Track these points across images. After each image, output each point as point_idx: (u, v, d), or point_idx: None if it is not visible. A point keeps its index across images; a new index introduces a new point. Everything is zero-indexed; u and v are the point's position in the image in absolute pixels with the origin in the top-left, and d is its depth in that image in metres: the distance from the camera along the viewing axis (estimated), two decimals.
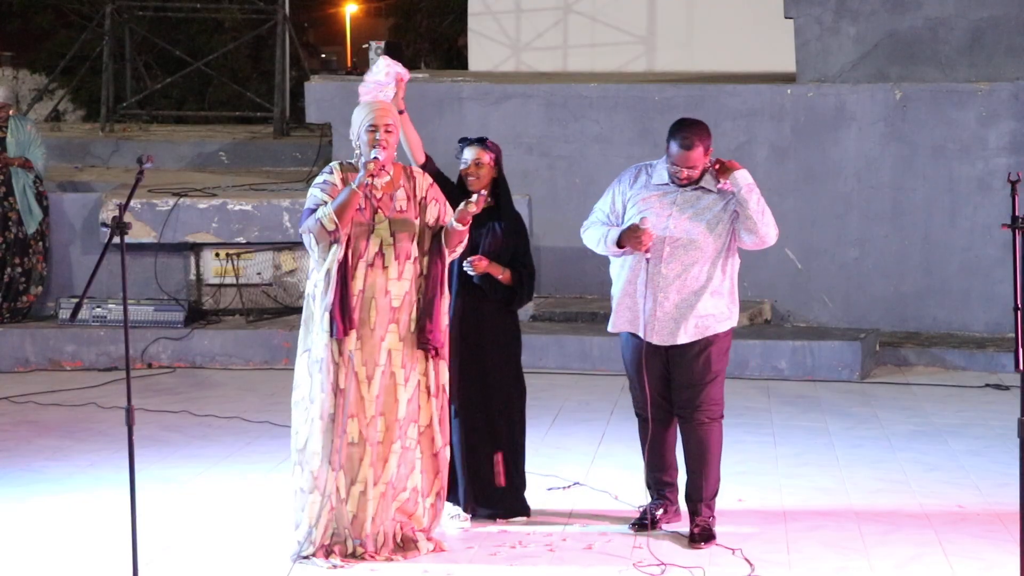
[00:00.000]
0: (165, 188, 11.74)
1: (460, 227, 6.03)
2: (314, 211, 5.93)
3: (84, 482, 7.33)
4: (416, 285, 6.05)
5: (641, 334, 6.19)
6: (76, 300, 10.60)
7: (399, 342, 6.02)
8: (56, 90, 19.35)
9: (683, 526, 6.36)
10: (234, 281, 11.27)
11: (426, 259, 6.08)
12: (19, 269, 11.05)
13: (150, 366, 10.65)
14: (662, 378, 6.24)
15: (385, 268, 5.98)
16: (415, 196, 6.08)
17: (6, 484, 7.29)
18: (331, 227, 5.87)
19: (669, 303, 6.12)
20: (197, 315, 11.09)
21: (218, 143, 14.63)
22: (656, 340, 6.16)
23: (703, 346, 6.17)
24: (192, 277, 11.30)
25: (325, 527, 5.95)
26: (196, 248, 11.29)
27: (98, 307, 10.84)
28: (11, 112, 11.20)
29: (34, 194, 11.08)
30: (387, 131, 6.01)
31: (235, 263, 11.24)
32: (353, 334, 5.92)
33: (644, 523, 6.31)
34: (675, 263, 6.13)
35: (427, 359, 6.08)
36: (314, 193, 5.99)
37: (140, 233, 11.13)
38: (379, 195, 6.01)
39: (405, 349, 6.03)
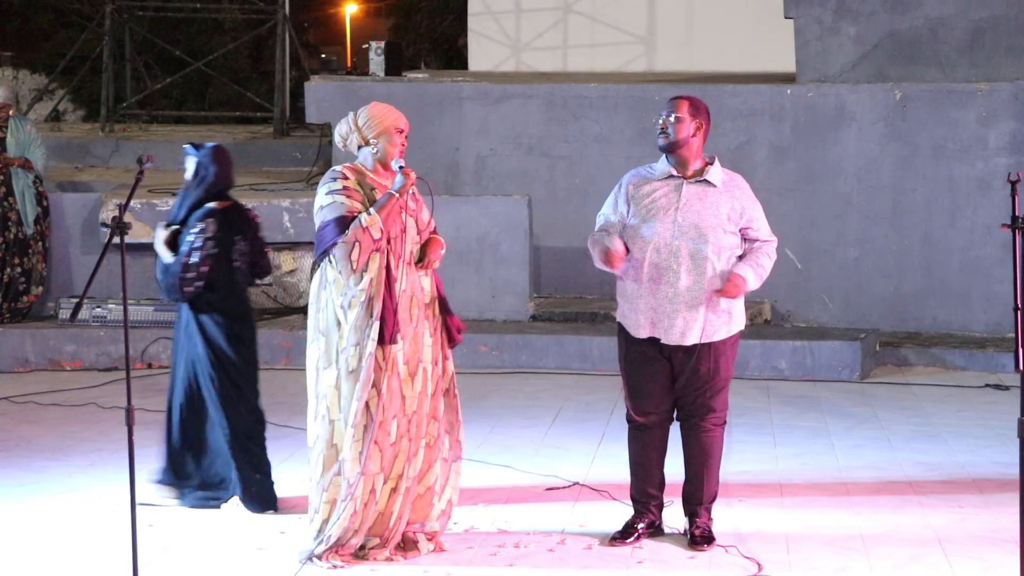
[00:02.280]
0: (165, 188, 11.73)
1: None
2: (343, 220, 5.84)
3: (84, 482, 7.32)
4: (434, 278, 6.11)
5: (649, 333, 6.14)
6: (76, 300, 10.56)
7: (430, 337, 6.05)
8: (56, 90, 19.36)
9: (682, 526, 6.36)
10: None
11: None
12: (19, 269, 11.05)
13: (150, 366, 10.64)
14: (664, 381, 6.20)
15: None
16: (413, 197, 6.10)
17: (6, 484, 7.29)
18: (378, 235, 5.85)
19: (678, 301, 6.06)
20: None
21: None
22: (665, 340, 6.11)
23: (711, 351, 6.11)
24: None
25: (346, 530, 5.94)
26: None
27: (98, 307, 10.84)
28: (11, 112, 11.20)
29: (34, 194, 11.08)
30: (407, 135, 6.08)
31: None
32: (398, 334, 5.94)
33: (626, 536, 6.27)
34: (683, 258, 6.05)
35: (445, 356, 6.13)
36: (339, 201, 5.88)
37: (140, 233, 11.09)
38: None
39: (434, 345, 6.06)
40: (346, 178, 5.96)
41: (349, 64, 23.81)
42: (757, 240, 6.18)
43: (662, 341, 6.09)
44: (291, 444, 7.94)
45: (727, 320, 6.15)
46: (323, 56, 27.67)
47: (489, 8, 16.04)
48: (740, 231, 6.14)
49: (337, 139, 6.14)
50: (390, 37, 25.45)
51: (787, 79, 12.06)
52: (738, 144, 11.52)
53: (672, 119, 6.10)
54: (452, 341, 6.15)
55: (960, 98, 11.21)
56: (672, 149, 6.12)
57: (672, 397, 6.21)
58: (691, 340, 6.08)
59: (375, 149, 6.02)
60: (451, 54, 25.59)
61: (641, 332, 6.14)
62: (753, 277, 6.11)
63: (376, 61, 13.33)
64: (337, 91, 12.43)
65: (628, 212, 6.16)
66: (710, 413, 6.17)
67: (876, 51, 11.55)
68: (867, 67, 11.56)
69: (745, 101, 11.61)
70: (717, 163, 6.21)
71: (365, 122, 6.03)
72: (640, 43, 15.50)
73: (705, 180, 6.12)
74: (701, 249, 6.03)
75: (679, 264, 6.05)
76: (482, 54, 16.16)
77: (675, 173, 6.15)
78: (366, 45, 13.80)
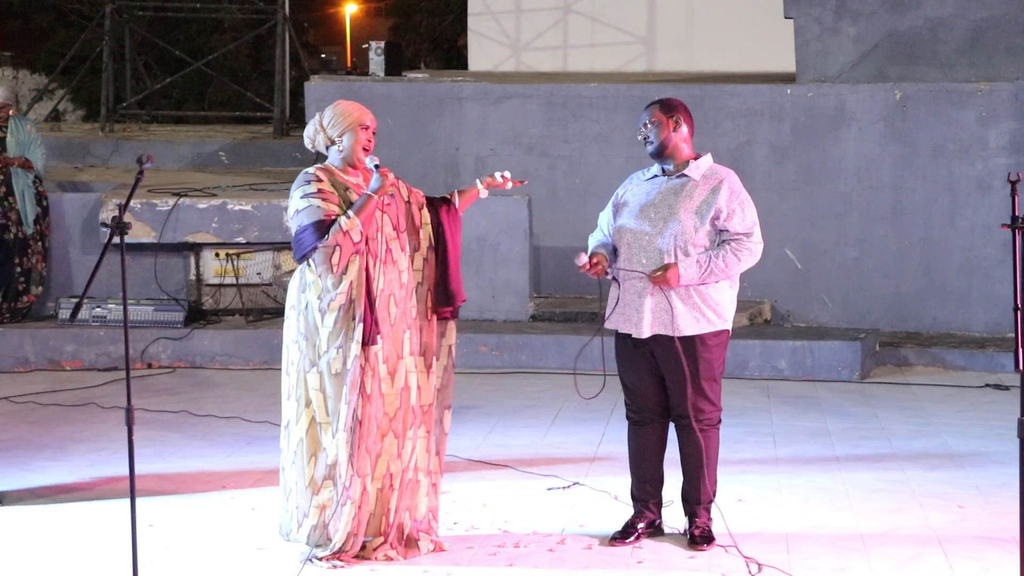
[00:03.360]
0: (165, 188, 11.74)
1: (485, 193, 6.19)
2: (322, 223, 5.81)
3: (84, 482, 7.32)
4: (411, 275, 6.07)
5: (628, 328, 6.15)
6: (76, 300, 10.59)
7: (407, 330, 6.03)
8: (56, 90, 19.37)
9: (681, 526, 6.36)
10: (234, 281, 11.27)
11: (428, 229, 6.09)
12: (19, 269, 11.05)
13: (150, 366, 10.65)
14: (653, 378, 6.20)
15: (395, 263, 5.99)
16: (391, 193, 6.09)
17: (6, 484, 7.28)
18: (358, 238, 5.84)
19: (645, 294, 6.05)
20: (197, 315, 11.09)
21: (218, 143, 14.63)
22: (635, 334, 6.11)
23: (689, 348, 6.08)
24: (192, 277, 11.31)
25: (349, 535, 5.92)
26: (196, 248, 11.29)
27: (98, 307, 10.85)
28: (11, 112, 11.20)
29: (33, 194, 11.08)
30: (374, 132, 6.05)
31: (235, 263, 11.25)
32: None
33: (626, 536, 6.27)
34: (651, 252, 6.06)
35: (441, 333, 6.12)
36: (316, 204, 5.85)
37: (140, 233, 11.13)
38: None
39: (413, 336, 6.05)
40: (319, 180, 5.92)
41: (349, 64, 23.85)
42: (727, 231, 6.12)
43: (632, 335, 6.11)
44: None
45: (701, 316, 6.10)
46: (323, 56, 27.68)
47: (489, 8, 16.04)
48: (713, 224, 6.12)
49: (306, 141, 6.12)
50: (390, 37, 25.46)
51: (787, 79, 12.06)
52: (738, 144, 11.52)
53: (649, 126, 6.18)
54: (444, 310, 6.11)
55: (960, 98, 11.21)
56: (660, 152, 6.19)
57: (664, 394, 6.22)
58: (650, 332, 6.07)
59: (341, 147, 6.01)
60: (451, 54, 25.59)
61: (614, 326, 6.19)
62: (695, 271, 6.03)
63: (376, 61, 13.33)
64: (337, 91, 12.41)
65: (615, 213, 6.23)
66: (699, 413, 6.14)
67: (876, 51, 11.55)
68: (867, 67, 11.56)
69: (745, 101, 11.61)
70: (705, 158, 6.22)
71: (329, 121, 6.01)
72: (640, 43, 15.50)
73: (683, 175, 6.16)
74: (667, 243, 6.06)
75: (646, 258, 6.08)
76: (482, 54, 16.16)
77: (660, 173, 6.23)
78: (366, 45, 13.81)
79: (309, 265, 5.91)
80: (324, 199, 5.87)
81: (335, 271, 5.84)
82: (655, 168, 6.27)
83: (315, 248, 5.83)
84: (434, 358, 6.12)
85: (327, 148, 6.05)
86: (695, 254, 6.06)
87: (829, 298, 11.45)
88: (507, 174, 6.15)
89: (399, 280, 6.00)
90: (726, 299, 6.18)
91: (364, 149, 6.00)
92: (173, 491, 7.14)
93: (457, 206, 6.17)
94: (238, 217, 11.23)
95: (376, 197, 5.88)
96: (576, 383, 6.66)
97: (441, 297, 6.10)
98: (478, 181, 6.21)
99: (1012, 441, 5.63)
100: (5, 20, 23.88)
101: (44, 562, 6.01)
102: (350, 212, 5.84)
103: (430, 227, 6.12)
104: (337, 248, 5.81)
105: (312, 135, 6.07)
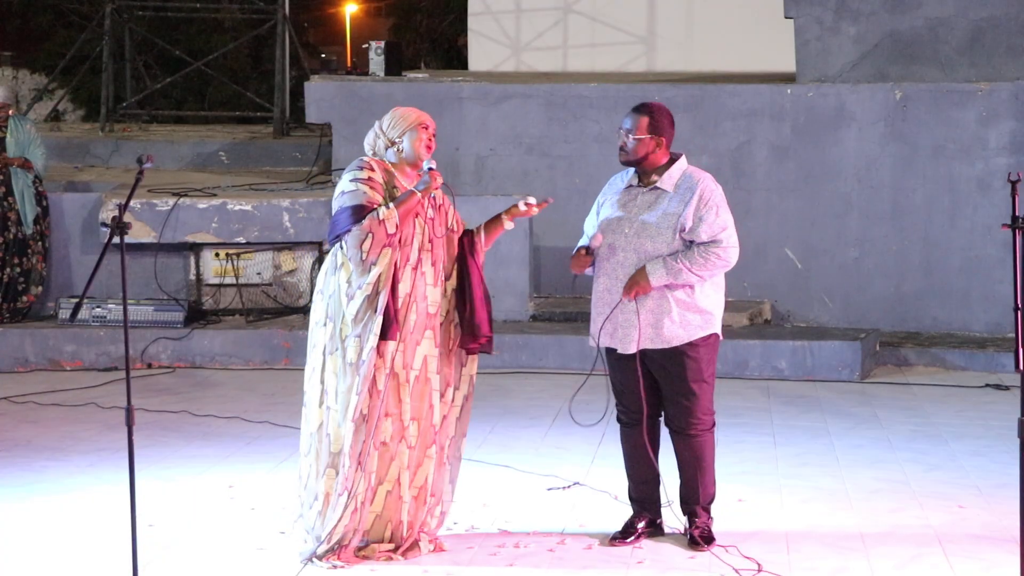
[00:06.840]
0: (165, 188, 11.74)
1: (511, 225, 6.11)
2: (361, 208, 5.83)
3: (84, 482, 7.32)
4: (442, 290, 6.06)
5: (606, 343, 6.17)
6: (76, 300, 10.62)
7: (435, 349, 6.02)
8: (56, 90, 19.36)
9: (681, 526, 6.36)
10: (234, 281, 11.27)
11: (455, 264, 6.09)
12: (19, 269, 11.05)
13: (150, 366, 10.65)
14: (645, 381, 6.16)
15: (423, 273, 5.99)
16: (434, 202, 6.07)
17: (6, 484, 7.29)
18: (392, 230, 5.84)
19: (627, 310, 6.07)
20: (197, 315, 11.09)
21: (218, 143, 14.63)
22: (621, 349, 6.12)
23: (678, 356, 6.08)
24: (192, 277, 11.31)
25: (346, 529, 5.93)
26: (196, 248, 11.30)
27: (98, 307, 10.85)
28: (11, 112, 11.20)
29: (33, 194, 11.08)
30: (433, 134, 6.04)
31: (235, 263, 11.25)
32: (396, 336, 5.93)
33: (627, 536, 6.27)
34: (629, 266, 6.07)
35: (461, 363, 6.12)
36: (362, 190, 5.86)
37: (140, 233, 11.13)
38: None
39: (441, 358, 6.04)
40: (372, 169, 5.95)
41: (349, 64, 23.80)
42: (694, 241, 6.04)
43: (619, 351, 6.12)
44: (291, 444, 7.93)
45: (689, 324, 6.08)
46: (323, 56, 27.66)
47: (489, 8, 16.04)
48: (680, 236, 6.05)
49: (367, 148, 6.13)
50: (390, 37, 25.43)
51: (787, 79, 12.06)
52: (738, 144, 11.53)
53: (631, 139, 6.10)
54: (472, 346, 6.11)
55: (960, 98, 11.22)
56: (631, 164, 6.18)
57: (656, 395, 6.22)
58: (635, 347, 6.08)
59: (400, 147, 6.01)
60: (451, 54, 25.57)
61: (600, 341, 6.20)
62: (663, 271, 6.00)
63: (376, 61, 13.32)
64: (337, 91, 12.43)
65: (597, 218, 6.23)
66: (693, 419, 6.14)
67: (876, 51, 11.55)
68: (867, 67, 11.56)
69: (745, 101, 11.61)
70: (678, 164, 6.14)
71: (389, 124, 6.03)
72: (640, 43, 15.50)
73: (656, 187, 6.13)
74: (643, 258, 6.05)
75: (624, 272, 6.08)
76: (482, 54, 16.16)
77: (635, 183, 6.20)
78: (366, 45, 13.79)
79: (342, 248, 5.92)
80: (371, 187, 5.89)
81: (364, 258, 5.83)
82: (631, 176, 6.23)
83: (348, 231, 5.84)
84: (452, 388, 6.12)
85: (386, 150, 6.05)
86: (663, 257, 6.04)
87: (829, 298, 11.45)
88: (531, 200, 6.03)
89: (424, 292, 5.99)
90: (712, 303, 6.14)
91: (427, 148, 6.00)
92: (173, 491, 7.14)
93: (483, 242, 6.12)
94: (238, 217, 11.24)
95: (419, 195, 5.89)
96: (570, 409, 6.69)
97: (468, 332, 6.08)
98: (504, 215, 6.10)
99: (1012, 441, 5.64)
100: (5, 20, 23.87)
101: (45, 562, 6.01)
102: (391, 204, 5.86)
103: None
104: (369, 235, 5.81)
105: (372, 142, 6.06)
